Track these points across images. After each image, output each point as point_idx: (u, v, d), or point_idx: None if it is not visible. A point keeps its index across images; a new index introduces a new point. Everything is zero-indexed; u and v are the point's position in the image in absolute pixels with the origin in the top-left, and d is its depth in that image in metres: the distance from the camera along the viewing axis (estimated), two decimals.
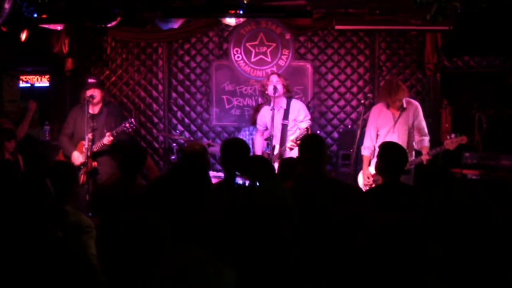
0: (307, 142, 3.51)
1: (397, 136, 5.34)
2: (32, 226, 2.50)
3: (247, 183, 2.62)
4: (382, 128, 5.45)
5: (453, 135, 5.22)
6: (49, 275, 2.23)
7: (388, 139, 5.29)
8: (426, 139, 5.43)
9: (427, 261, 1.77)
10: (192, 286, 1.54)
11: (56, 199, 3.06)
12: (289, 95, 5.72)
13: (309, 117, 5.65)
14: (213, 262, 1.58)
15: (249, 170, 2.85)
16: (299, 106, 5.66)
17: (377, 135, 5.50)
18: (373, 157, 5.49)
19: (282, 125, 5.61)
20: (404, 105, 5.40)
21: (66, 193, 3.17)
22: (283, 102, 5.65)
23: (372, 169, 5.41)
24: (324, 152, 3.36)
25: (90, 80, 5.63)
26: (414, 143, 5.45)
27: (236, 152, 3.68)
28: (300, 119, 5.58)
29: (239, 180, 2.65)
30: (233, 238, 2.07)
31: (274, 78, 5.62)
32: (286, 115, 5.62)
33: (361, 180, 5.44)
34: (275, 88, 5.47)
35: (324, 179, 3.32)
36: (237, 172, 2.70)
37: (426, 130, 5.47)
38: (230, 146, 3.82)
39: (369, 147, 5.48)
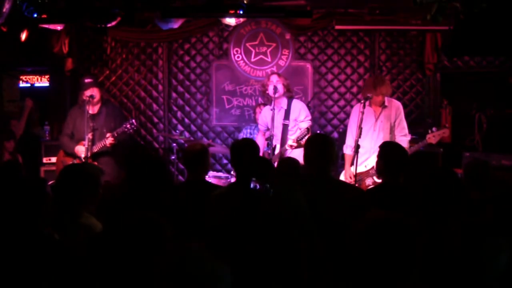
0: (311, 142, 3.50)
1: (378, 134, 5.36)
2: (28, 228, 2.49)
3: (257, 187, 2.63)
4: (364, 126, 5.44)
5: (434, 129, 5.19)
6: (45, 276, 2.23)
7: (369, 137, 5.32)
8: (406, 139, 5.41)
9: (410, 262, 1.77)
10: (191, 281, 1.54)
11: (72, 203, 3.02)
12: (289, 95, 5.71)
13: (309, 117, 5.65)
14: (211, 258, 1.59)
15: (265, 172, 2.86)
16: (300, 106, 5.66)
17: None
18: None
19: (282, 125, 5.61)
20: (386, 103, 5.43)
21: (83, 197, 3.05)
22: (284, 102, 5.65)
23: (354, 169, 5.40)
24: (329, 153, 3.32)
25: (88, 80, 5.63)
26: None
27: (247, 153, 3.68)
28: (301, 119, 5.58)
29: (252, 185, 2.67)
30: (242, 242, 2.08)
31: (274, 78, 5.61)
32: (287, 115, 5.61)
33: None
34: (275, 88, 5.47)
35: (327, 180, 3.30)
36: (253, 178, 2.71)
37: (406, 130, 5.46)
38: (239, 147, 3.82)
39: (351, 145, 5.47)
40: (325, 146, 3.34)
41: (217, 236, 2.28)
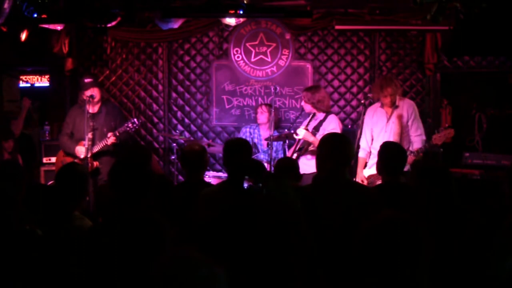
0: (323, 142, 3.37)
1: (389, 135, 5.27)
2: (6, 225, 2.49)
3: (252, 186, 2.62)
4: (376, 127, 5.42)
5: (441, 129, 5.12)
6: (28, 271, 2.23)
7: (381, 138, 5.24)
8: (419, 139, 5.32)
9: (417, 261, 1.77)
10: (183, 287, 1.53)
11: (65, 203, 3.02)
12: (323, 109, 5.77)
13: (337, 131, 5.61)
14: (205, 264, 1.58)
15: (256, 174, 2.84)
16: (332, 120, 5.73)
17: (372, 136, 5.47)
18: (369, 158, 5.48)
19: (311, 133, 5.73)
20: (397, 103, 5.37)
21: (77, 197, 3.08)
22: (321, 115, 5.77)
23: (366, 172, 5.39)
24: (341, 154, 3.10)
25: (87, 80, 5.63)
26: (410, 145, 5.36)
27: (238, 152, 3.69)
28: (328, 129, 5.58)
29: (246, 184, 2.65)
30: (236, 240, 2.07)
31: (304, 103, 5.83)
32: (318, 126, 5.71)
33: None
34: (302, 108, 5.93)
35: (339, 182, 3.10)
36: (246, 176, 2.70)
37: (420, 130, 5.36)
38: (232, 146, 3.84)
39: (364, 148, 5.46)
40: (336, 146, 3.13)
41: (208, 235, 2.27)
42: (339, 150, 3.09)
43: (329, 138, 3.28)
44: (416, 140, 5.31)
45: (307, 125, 5.62)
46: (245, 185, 2.64)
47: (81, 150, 5.52)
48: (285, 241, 2.03)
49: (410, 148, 5.28)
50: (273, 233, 2.03)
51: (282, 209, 2.19)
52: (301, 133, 5.53)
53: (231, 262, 1.95)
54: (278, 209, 2.16)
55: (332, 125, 5.63)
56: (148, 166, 4.20)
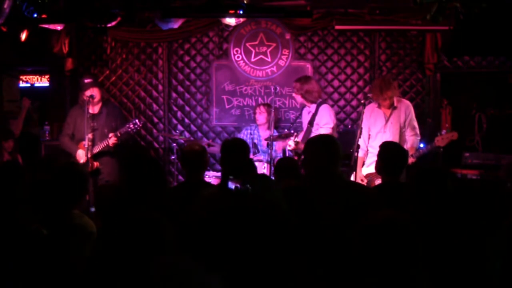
0: (309, 144, 3.41)
1: (388, 136, 5.31)
2: (13, 225, 2.50)
3: (239, 187, 2.60)
4: (374, 127, 5.45)
5: (443, 131, 5.15)
6: (31, 271, 2.23)
7: (379, 138, 5.29)
8: (416, 139, 5.39)
9: (412, 259, 1.78)
10: None
11: (64, 202, 3.03)
12: (312, 100, 5.81)
13: (330, 125, 5.64)
14: (199, 272, 1.57)
15: (242, 174, 2.83)
16: (323, 112, 5.74)
17: (369, 135, 5.50)
18: (366, 157, 5.50)
19: (307, 127, 5.82)
20: (395, 104, 5.41)
21: (76, 196, 3.10)
22: (312, 107, 5.83)
23: (364, 170, 5.41)
24: (328, 154, 3.15)
25: (87, 80, 5.63)
26: (405, 144, 5.41)
27: (234, 153, 3.69)
28: (320, 124, 5.64)
29: (232, 185, 2.64)
30: (228, 242, 2.07)
31: (294, 94, 5.95)
32: (312, 119, 5.76)
33: None
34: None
35: (334, 181, 3.14)
36: (230, 177, 2.68)
37: (417, 130, 5.44)
38: (230, 146, 3.83)
39: (362, 147, 5.47)
40: (323, 148, 3.19)
41: (204, 236, 2.27)
42: (322, 152, 3.16)
43: (312, 141, 3.38)
44: (411, 139, 5.37)
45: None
46: (232, 186, 2.63)
47: (81, 154, 5.51)
48: (277, 241, 2.02)
49: (406, 147, 5.32)
50: (263, 234, 2.03)
51: (269, 209, 2.19)
52: (292, 145, 5.71)
53: (228, 263, 1.96)
54: (265, 209, 2.16)
55: (325, 119, 5.65)
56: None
